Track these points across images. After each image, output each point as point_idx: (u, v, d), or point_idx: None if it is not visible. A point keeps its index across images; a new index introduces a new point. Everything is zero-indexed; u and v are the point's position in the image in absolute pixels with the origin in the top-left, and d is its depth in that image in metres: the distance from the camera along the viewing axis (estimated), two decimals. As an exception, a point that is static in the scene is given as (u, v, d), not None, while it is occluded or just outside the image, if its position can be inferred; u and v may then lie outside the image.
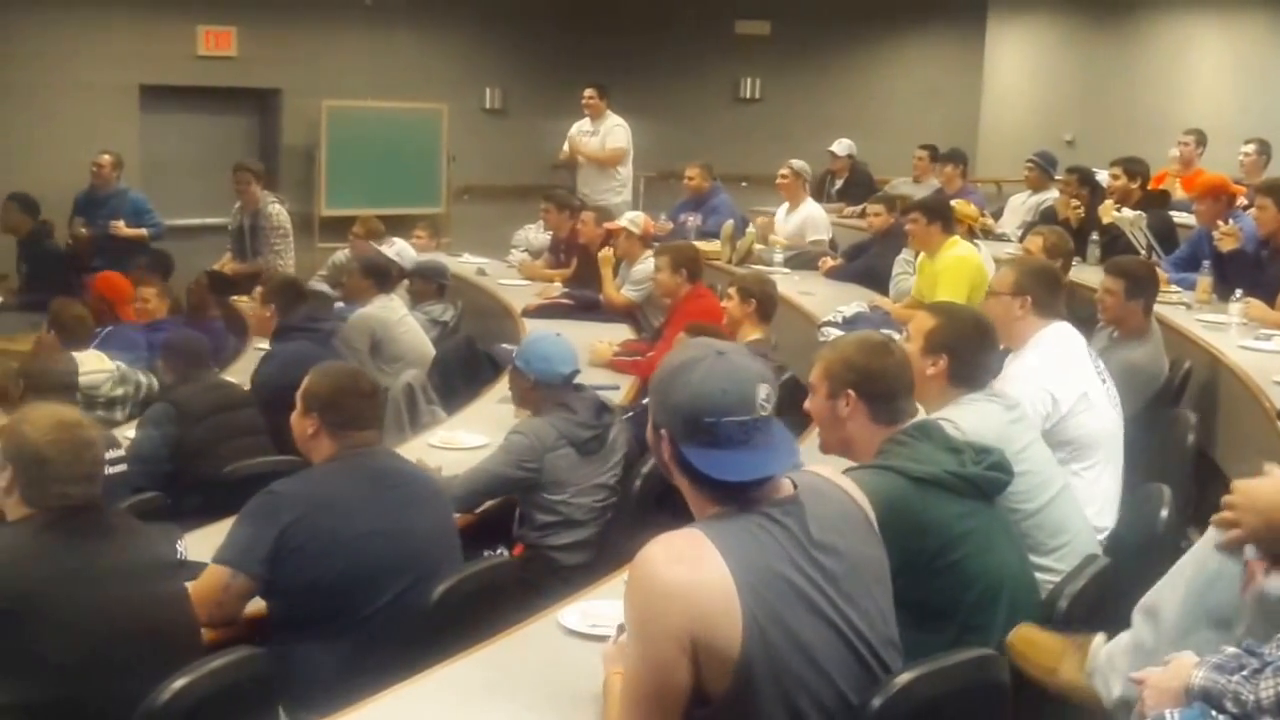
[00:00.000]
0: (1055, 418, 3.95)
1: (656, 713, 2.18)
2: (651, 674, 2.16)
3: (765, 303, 5.66)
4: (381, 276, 6.94)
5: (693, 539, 2.17)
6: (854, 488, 2.44)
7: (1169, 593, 2.55)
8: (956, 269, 6.54)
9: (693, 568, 2.13)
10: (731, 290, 5.74)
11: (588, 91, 9.71)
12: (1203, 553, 2.53)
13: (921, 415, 3.21)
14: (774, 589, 2.16)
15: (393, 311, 6.76)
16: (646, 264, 7.09)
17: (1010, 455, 3.15)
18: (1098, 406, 4.09)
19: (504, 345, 4.67)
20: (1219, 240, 6.66)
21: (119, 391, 5.67)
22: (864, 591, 2.30)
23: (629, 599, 2.19)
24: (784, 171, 8.95)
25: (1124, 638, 2.60)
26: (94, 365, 5.61)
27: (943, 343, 3.48)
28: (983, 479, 2.97)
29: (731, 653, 2.12)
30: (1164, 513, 3.54)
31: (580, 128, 9.81)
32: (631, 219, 7.61)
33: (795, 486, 2.28)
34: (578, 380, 4.51)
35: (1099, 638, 2.65)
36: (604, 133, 9.71)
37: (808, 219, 8.93)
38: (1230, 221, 6.78)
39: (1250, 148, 9.21)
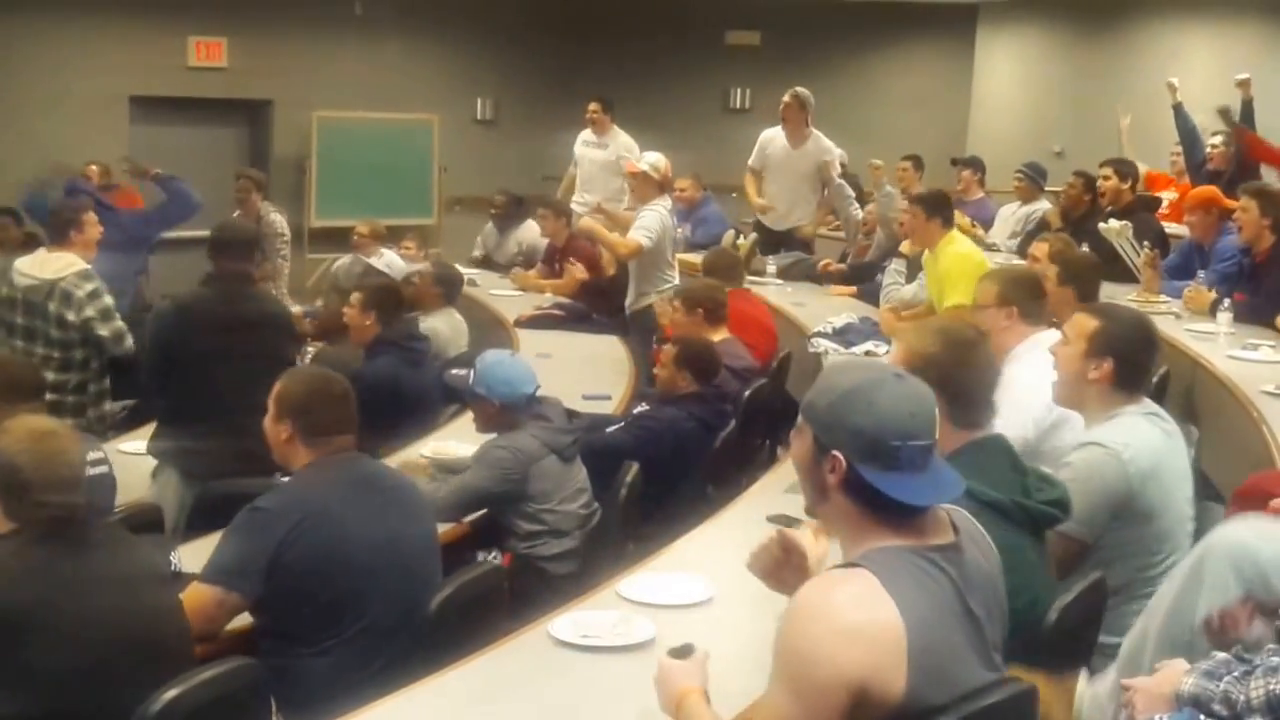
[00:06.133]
0: (1043, 427, 3.90)
1: None
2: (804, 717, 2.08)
3: (712, 309, 5.62)
4: (450, 286, 6.88)
5: (866, 582, 2.10)
6: (987, 537, 2.38)
7: (1143, 639, 2.58)
8: (962, 267, 6.29)
9: (871, 611, 2.07)
10: (676, 301, 5.78)
11: (592, 105, 9.53)
12: (1167, 592, 2.56)
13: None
14: (939, 640, 2.12)
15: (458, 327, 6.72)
16: (656, 209, 6.93)
17: (1160, 486, 3.16)
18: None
19: (455, 372, 4.58)
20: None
21: (53, 306, 5.64)
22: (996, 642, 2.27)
23: (794, 635, 2.11)
24: (786, 100, 8.60)
25: (1108, 680, 2.60)
26: (43, 269, 5.64)
27: (1109, 344, 3.36)
28: (1041, 514, 2.88)
29: (893, 701, 2.06)
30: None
31: (585, 139, 9.69)
32: (652, 163, 7.15)
33: (956, 530, 2.25)
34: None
35: (1081, 680, 2.63)
36: (614, 149, 9.48)
37: (826, 159, 8.64)
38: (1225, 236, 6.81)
39: (1219, 139, 9.10)
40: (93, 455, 3.98)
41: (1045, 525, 2.92)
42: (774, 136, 8.77)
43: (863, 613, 2.07)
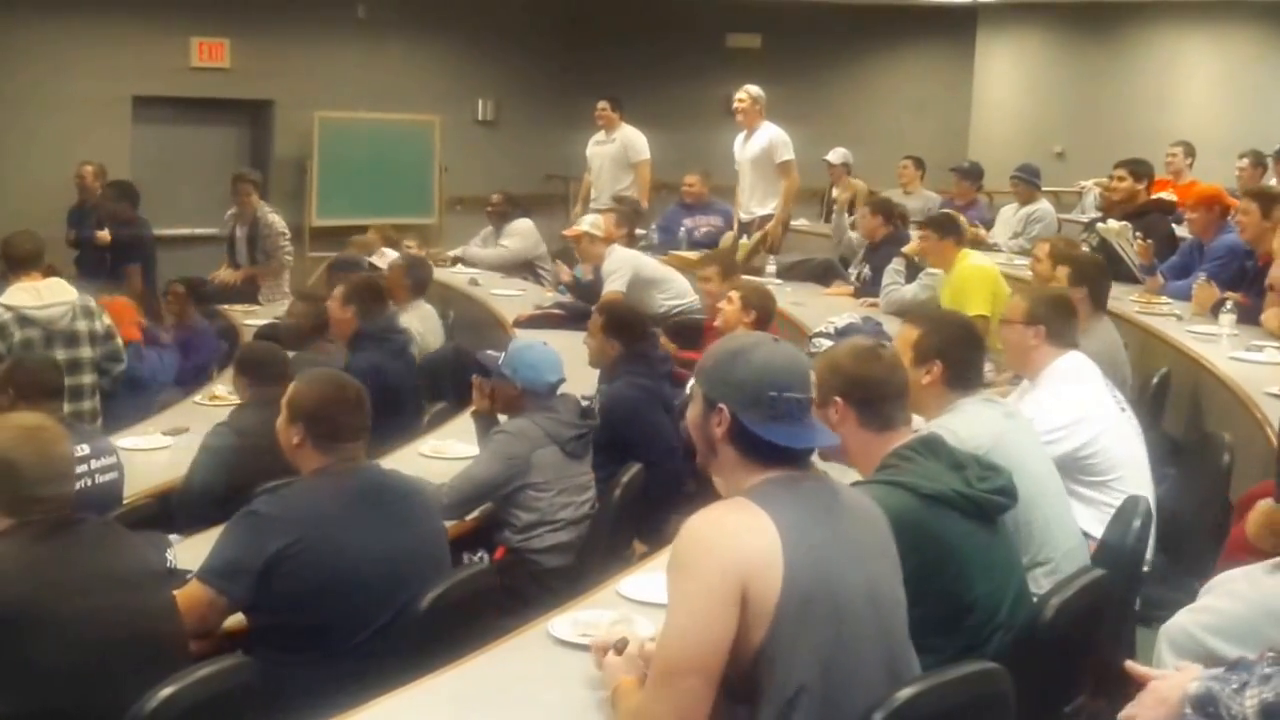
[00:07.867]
0: (1069, 446, 3.93)
1: (696, 679, 2.21)
2: (696, 630, 2.22)
3: (764, 316, 5.61)
4: (419, 277, 6.93)
5: (739, 501, 2.34)
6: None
7: None
8: (977, 280, 6.47)
9: (737, 517, 2.30)
10: (733, 294, 5.70)
11: (600, 105, 9.63)
12: None
13: (921, 425, 3.18)
14: (811, 537, 2.30)
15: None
16: (613, 258, 7.30)
17: (1006, 459, 3.15)
18: (1118, 433, 4.07)
19: (489, 352, 4.60)
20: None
21: (81, 325, 5.61)
22: (884, 576, 2.43)
23: (676, 562, 2.29)
24: (740, 97, 8.94)
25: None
26: (53, 296, 5.56)
27: (933, 349, 3.49)
28: (987, 501, 2.96)
29: (773, 593, 2.22)
30: (1136, 524, 3.58)
31: (596, 139, 9.77)
32: (592, 221, 7.62)
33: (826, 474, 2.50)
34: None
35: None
36: (620, 142, 9.59)
37: (772, 140, 8.86)
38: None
39: (1244, 161, 9.29)
40: (105, 460, 4.01)
41: (994, 512, 3.00)
42: (739, 135, 9.19)
43: (736, 518, 2.29)
